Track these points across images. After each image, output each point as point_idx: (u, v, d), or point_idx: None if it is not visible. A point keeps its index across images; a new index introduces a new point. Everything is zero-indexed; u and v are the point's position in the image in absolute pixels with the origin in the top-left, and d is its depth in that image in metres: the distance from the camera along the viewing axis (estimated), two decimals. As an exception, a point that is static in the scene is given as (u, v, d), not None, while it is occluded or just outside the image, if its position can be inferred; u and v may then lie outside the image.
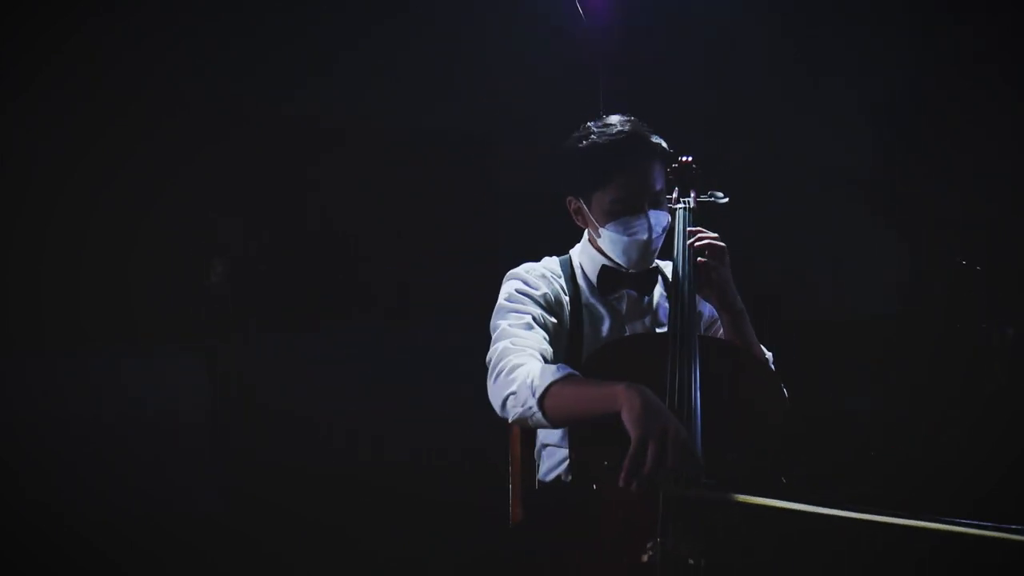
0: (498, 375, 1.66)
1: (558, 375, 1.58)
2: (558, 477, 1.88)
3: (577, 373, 1.60)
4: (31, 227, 3.43)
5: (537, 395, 1.57)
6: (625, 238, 1.82)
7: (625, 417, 1.45)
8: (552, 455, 1.91)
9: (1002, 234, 3.85)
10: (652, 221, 1.81)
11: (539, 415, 1.58)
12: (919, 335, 3.67)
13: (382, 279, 4.20)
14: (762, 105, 4.27)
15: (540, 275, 1.90)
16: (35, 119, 3.43)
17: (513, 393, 1.61)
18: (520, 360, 1.66)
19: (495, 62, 3.98)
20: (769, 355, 1.92)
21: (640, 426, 1.42)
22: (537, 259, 2.00)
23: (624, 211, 1.80)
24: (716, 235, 1.88)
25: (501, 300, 1.85)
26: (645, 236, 1.81)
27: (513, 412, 1.62)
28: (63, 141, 3.48)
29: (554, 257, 2.00)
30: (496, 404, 1.67)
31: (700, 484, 1.43)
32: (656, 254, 1.90)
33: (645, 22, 3.70)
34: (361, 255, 4.18)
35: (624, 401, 1.46)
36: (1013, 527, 1.24)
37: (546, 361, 1.70)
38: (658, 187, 1.82)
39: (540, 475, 1.94)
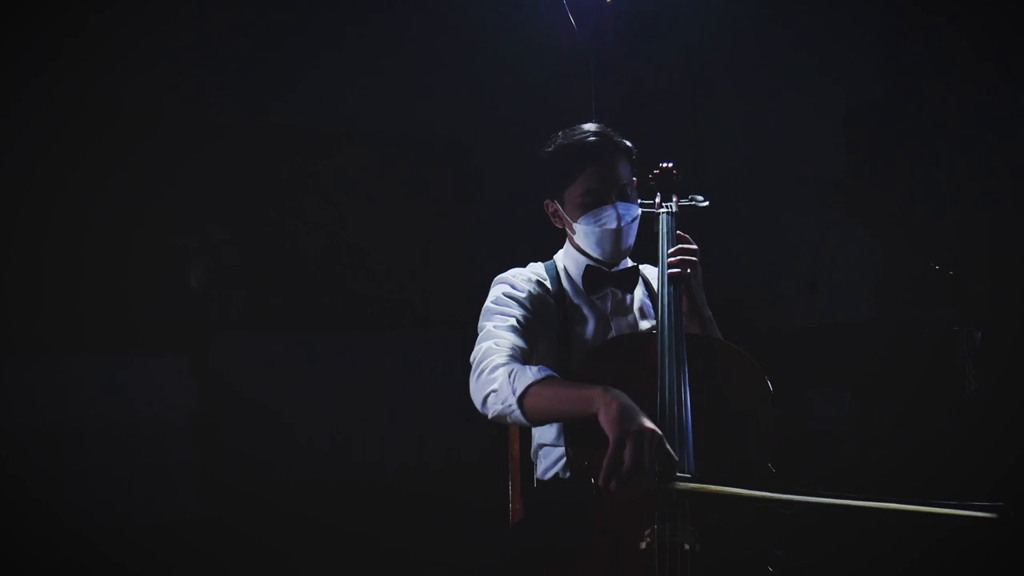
0: (480, 373, 1.73)
1: (539, 376, 1.65)
2: (556, 475, 1.94)
3: (556, 375, 1.68)
4: (20, 234, 3.46)
5: (517, 394, 1.64)
6: (596, 228, 1.92)
7: (602, 419, 1.51)
8: (548, 454, 1.96)
9: (973, 237, 3.92)
10: (620, 211, 1.91)
11: (518, 413, 1.65)
12: (893, 339, 3.73)
13: (378, 281, 4.24)
14: (740, 112, 4.36)
15: (526, 279, 1.99)
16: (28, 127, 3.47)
17: (494, 391, 1.68)
18: (502, 360, 1.73)
19: (490, 72, 4.05)
20: None
21: (617, 428, 1.48)
22: (525, 265, 2.08)
23: (594, 203, 1.92)
24: (696, 247, 1.97)
25: (488, 303, 1.93)
26: (614, 225, 1.91)
27: (493, 409, 1.69)
28: (55, 149, 3.52)
29: (540, 262, 2.08)
30: (477, 401, 1.73)
31: (690, 478, 1.49)
32: (630, 246, 1.99)
33: (631, 34, 3.78)
34: (353, 260, 4.21)
35: (601, 404, 1.52)
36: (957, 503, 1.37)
37: (525, 362, 1.77)
38: (624, 180, 1.94)
39: (538, 474, 1.99)
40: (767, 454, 1.65)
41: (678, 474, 1.49)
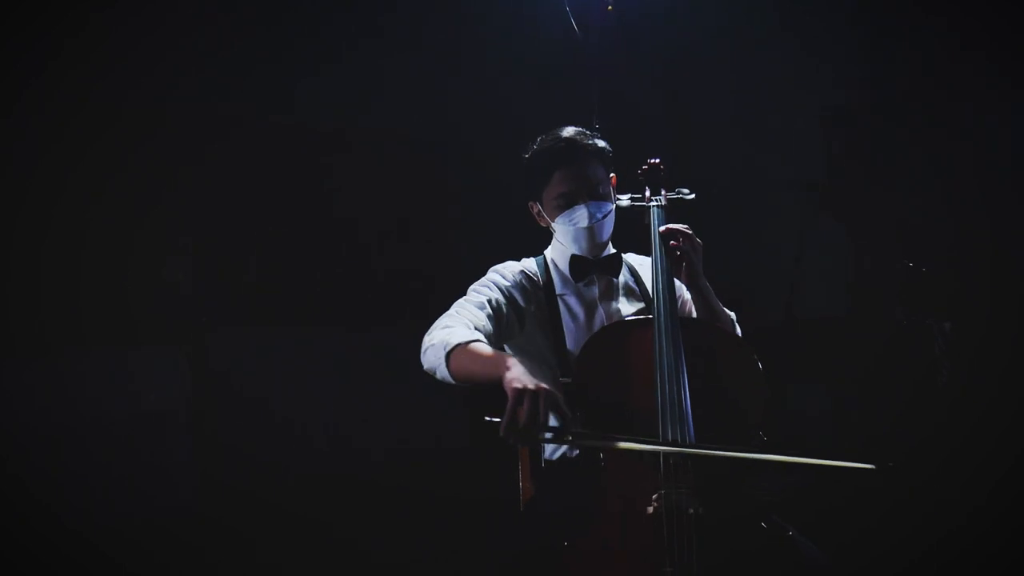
0: (432, 331, 1.88)
1: (467, 339, 1.79)
2: (564, 454, 2.02)
3: (484, 341, 1.82)
4: (20, 234, 3.46)
5: (446, 351, 1.78)
6: (571, 227, 2.05)
7: (505, 380, 1.63)
8: (552, 437, 2.04)
9: (945, 235, 3.97)
10: (591, 209, 2.03)
11: (443, 368, 1.79)
12: (869, 334, 3.77)
13: (378, 280, 4.25)
14: (727, 110, 4.40)
15: (515, 269, 2.12)
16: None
17: (432, 345, 1.82)
18: (452, 323, 1.88)
19: (490, 72, 4.09)
20: (732, 315, 2.11)
21: (516, 387, 1.58)
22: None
23: (567, 204, 2.05)
24: (687, 226, 2.07)
25: (473, 284, 2.07)
26: (586, 223, 2.03)
27: (427, 362, 1.84)
28: (55, 149, 3.53)
29: (531, 258, 2.20)
30: (421, 352, 1.87)
31: (689, 443, 1.62)
32: (606, 240, 2.10)
33: (627, 36, 3.82)
34: (353, 259, 4.23)
35: (504, 369, 1.65)
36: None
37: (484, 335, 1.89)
38: (595, 181, 2.05)
39: (546, 455, 2.06)
40: (759, 425, 1.77)
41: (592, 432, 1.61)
